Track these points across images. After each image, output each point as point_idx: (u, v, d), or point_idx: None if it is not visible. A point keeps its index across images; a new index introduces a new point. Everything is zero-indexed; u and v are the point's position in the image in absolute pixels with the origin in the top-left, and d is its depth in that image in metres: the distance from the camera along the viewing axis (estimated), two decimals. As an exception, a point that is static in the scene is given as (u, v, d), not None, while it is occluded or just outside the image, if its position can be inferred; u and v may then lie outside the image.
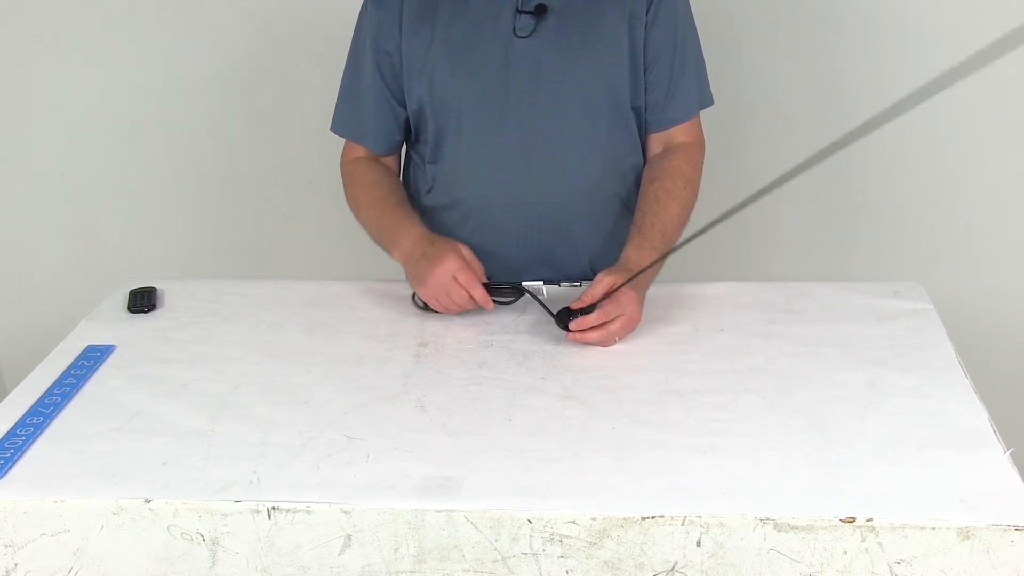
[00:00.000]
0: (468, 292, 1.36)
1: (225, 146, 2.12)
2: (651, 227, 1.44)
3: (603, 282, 1.33)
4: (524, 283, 1.43)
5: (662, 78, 1.48)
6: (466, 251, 1.40)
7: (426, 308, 1.41)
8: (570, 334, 1.32)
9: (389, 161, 1.58)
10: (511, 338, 1.35)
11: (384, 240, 1.49)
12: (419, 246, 1.41)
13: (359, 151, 1.57)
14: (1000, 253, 2.02)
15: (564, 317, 1.33)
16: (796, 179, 2.18)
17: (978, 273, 2.04)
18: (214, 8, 1.99)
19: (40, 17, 2.02)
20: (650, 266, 1.35)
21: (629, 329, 1.33)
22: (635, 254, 1.40)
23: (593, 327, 1.31)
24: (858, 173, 2.01)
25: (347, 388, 1.23)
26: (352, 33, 1.53)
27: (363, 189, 1.53)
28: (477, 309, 1.39)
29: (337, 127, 1.57)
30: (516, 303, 1.43)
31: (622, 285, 1.32)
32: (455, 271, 1.35)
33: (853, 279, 1.54)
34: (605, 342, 1.32)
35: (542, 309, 1.38)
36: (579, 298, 1.33)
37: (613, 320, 1.31)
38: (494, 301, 1.39)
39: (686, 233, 1.52)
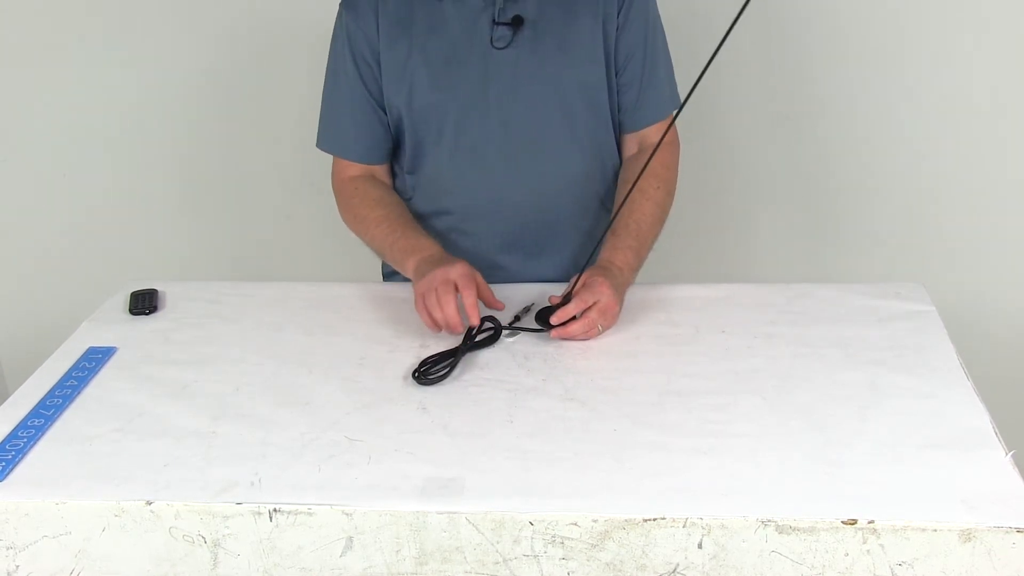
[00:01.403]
0: (461, 293, 1.30)
1: (226, 147, 2.12)
2: (624, 228, 1.45)
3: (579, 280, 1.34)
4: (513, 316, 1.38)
5: (634, 79, 1.49)
6: (479, 277, 1.36)
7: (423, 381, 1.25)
8: (554, 331, 1.32)
9: (382, 172, 1.57)
10: (512, 340, 1.35)
11: (396, 254, 1.45)
12: (434, 255, 1.40)
13: (353, 169, 1.55)
14: (1000, 253, 2.02)
15: (546, 318, 1.34)
16: (796, 180, 2.19)
17: (978, 273, 2.04)
18: (215, 9, 1.99)
19: (42, 18, 2.03)
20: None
21: (608, 316, 1.33)
22: (609, 255, 1.41)
23: (573, 318, 1.31)
24: (858, 173, 2.01)
25: (348, 389, 1.23)
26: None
27: (369, 207, 1.51)
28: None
29: (325, 144, 1.55)
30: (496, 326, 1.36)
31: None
32: (458, 276, 1.31)
33: (854, 280, 1.54)
34: (588, 332, 1.32)
35: (533, 319, 1.37)
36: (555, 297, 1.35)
37: (591, 307, 1.31)
38: (476, 343, 1.31)
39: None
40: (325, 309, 1.46)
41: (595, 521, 0.99)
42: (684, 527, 0.98)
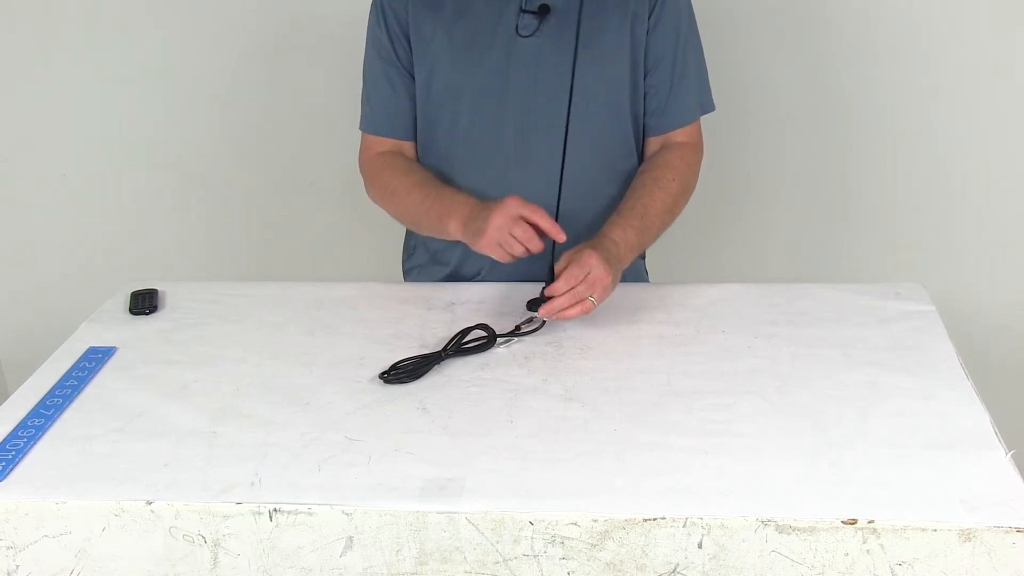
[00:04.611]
0: (534, 222, 1.31)
1: (226, 147, 2.12)
2: (630, 208, 1.44)
3: (563, 257, 1.33)
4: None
5: (663, 82, 1.49)
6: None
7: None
8: (541, 309, 1.31)
9: (411, 150, 1.57)
10: (512, 340, 1.34)
11: (434, 216, 1.45)
12: (476, 208, 1.39)
13: (383, 146, 1.56)
14: (1000, 253, 2.02)
15: (537, 305, 1.33)
16: (796, 180, 2.20)
17: (978, 273, 2.04)
18: (216, 10, 1.99)
19: (43, 18, 2.03)
20: None
21: (598, 288, 1.31)
22: (607, 229, 1.41)
23: (562, 296, 1.30)
24: (858, 173, 2.01)
25: (349, 389, 1.23)
26: (363, 34, 1.54)
27: (400, 175, 1.51)
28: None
29: (367, 125, 1.56)
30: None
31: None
32: (518, 207, 1.32)
33: (854, 280, 1.54)
34: (581, 305, 1.30)
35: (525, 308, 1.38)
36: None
37: (579, 283, 1.30)
38: (462, 350, 1.31)
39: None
40: (325, 309, 1.46)
41: (595, 521, 0.99)
42: (684, 527, 0.98)
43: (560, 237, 1.33)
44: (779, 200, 2.07)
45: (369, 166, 1.57)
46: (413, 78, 1.51)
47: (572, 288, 1.30)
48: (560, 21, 1.44)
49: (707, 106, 1.55)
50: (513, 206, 1.33)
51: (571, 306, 1.30)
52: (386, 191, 1.53)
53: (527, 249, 1.33)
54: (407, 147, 1.56)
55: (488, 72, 1.45)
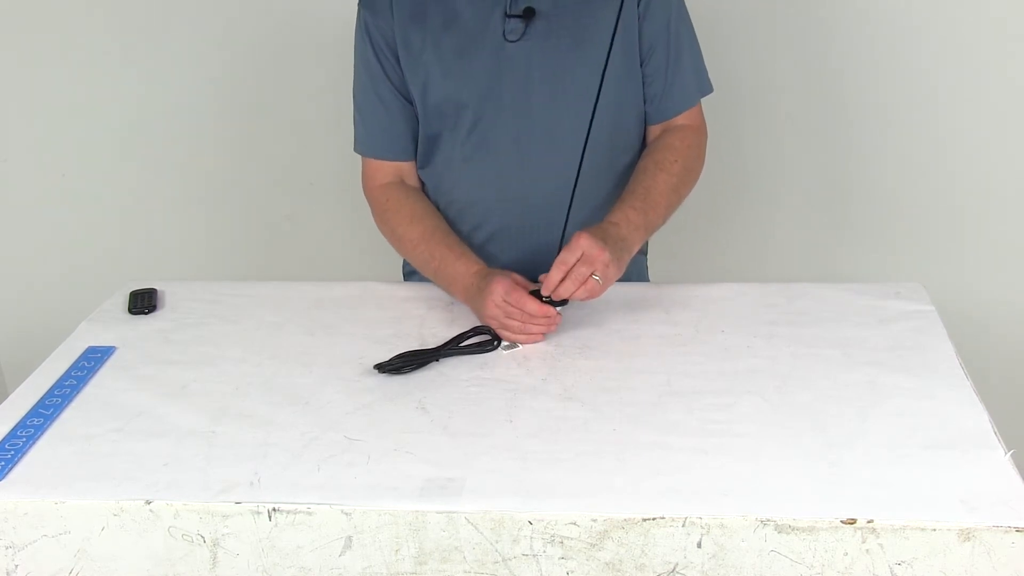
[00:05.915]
0: (521, 309, 1.31)
1: (226, 147, 2.12)
2: (631, 192, 1.44)
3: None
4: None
5: (659, 69, 1.48)
6: (517, 276, 1.37)
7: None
8: (548, 291, 1.31)
9: (411, 172, 1.56)
10: (518, 346, 1.34)
11: (440, 281, 1.47)
12: (473, 283, 1.39)
13: (382, 174, 1.54)
14: (1000, 253, 2.02)
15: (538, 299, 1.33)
16: (797, 179, 2.19)
17: (978, 273, 2.04)
18: (215, 9, 1.99)
19: (42, 18, 2.03)
20: None
21: (598, 264, 1.29)
22: (609, 215, 1.40)
23: (564, 282, 1.29)
24: (859, 173, 2.01)
25: (348, 389, 1.23)
26: (352, 41, 1.53)
27: (405, 223, 1.51)
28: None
29: (363, 148, 1.55)
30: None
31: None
32: (503, 295, 1.32)
33: (853, 280, 1.54)
34: (585, 287, 1.29)
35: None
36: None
37: (574, 265, 1.29)
38: (461, 348, 1.32)
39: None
40: (325, 309, 1.46)
41: (594, 520, 0.99)
42: (683, 527, 0.98)
43: (552, 316, 1.32)
44: (779, 200, 2.07)
45: (374, 200, 1.56)
46: (404, 96, 1.50)
47: (568, 271, 1.29)
48: (547, 22, 1.43)
49: (705, 88, 1.54)
50: (499, 292, 1.32)
51: (576, 288, 1.30)
52: (393, 235, 1.53)
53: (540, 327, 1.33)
54: (407, 170, 1.55)
55: (481, 80, 1.45)
